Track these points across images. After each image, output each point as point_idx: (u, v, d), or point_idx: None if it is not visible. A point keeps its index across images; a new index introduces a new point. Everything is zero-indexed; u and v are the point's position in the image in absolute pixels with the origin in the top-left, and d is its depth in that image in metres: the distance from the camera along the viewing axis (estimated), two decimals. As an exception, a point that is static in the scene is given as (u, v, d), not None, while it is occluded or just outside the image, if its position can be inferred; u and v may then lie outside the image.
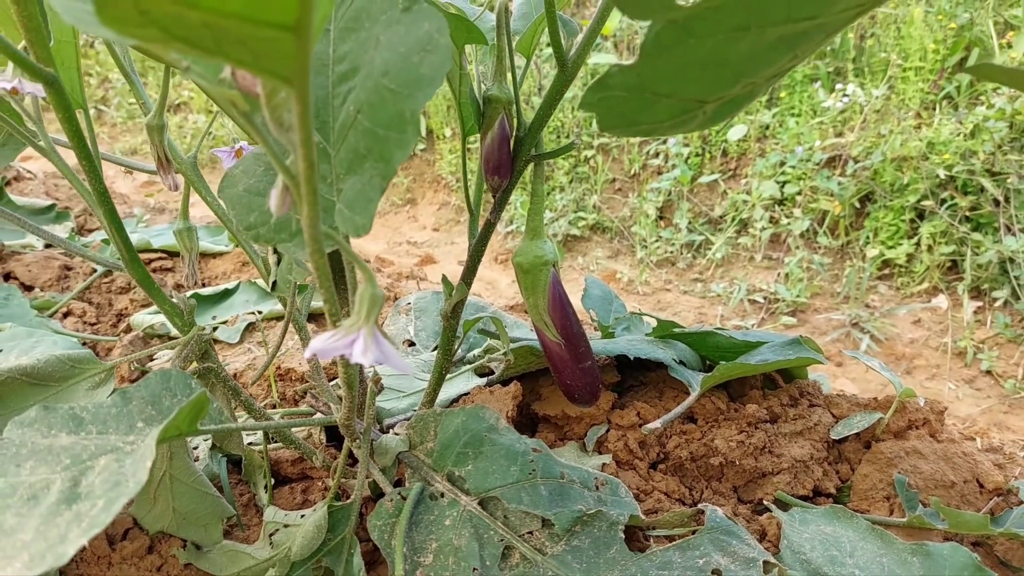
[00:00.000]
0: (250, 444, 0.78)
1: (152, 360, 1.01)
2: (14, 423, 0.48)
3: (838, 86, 3.14)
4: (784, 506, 0.73)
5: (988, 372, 2.11)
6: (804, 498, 0.75)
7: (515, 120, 0.63)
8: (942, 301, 2.42)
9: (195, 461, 0.69)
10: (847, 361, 2.15)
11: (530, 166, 0.64)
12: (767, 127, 3.24)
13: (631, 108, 0.42)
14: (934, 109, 2.89)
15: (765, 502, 0.74)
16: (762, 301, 2.68)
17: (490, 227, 0.66)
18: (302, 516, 0.65)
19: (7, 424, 0.48)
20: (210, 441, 0.77)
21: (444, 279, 0.69)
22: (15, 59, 0.50)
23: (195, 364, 0.66)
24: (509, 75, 0.62)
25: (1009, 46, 2.83)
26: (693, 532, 0.61)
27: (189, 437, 0.62)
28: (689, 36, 0.38)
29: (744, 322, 2.59)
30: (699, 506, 0.65)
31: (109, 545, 0.67)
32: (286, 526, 0.65)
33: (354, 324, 0.40)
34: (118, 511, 0.39)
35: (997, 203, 2.51)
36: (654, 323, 0.96)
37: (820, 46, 0.43)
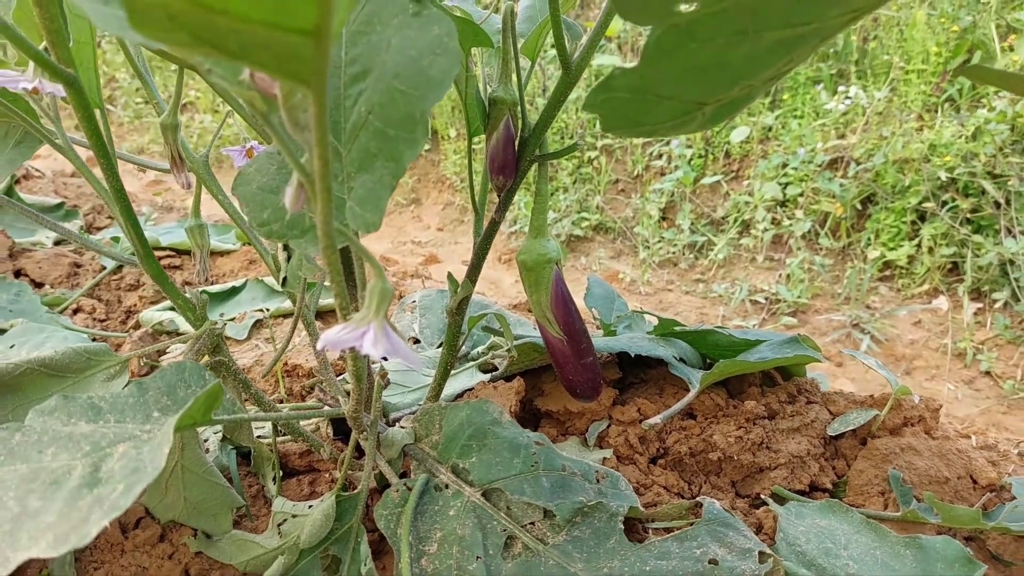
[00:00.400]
0: (259, 437, 0.80)
1: (164, 354, 1.02)
2: (36, 411, 0.50)
3: (840, 88, 3.16)
4: (781, 500, 0.75)
5: (987, 373, 2.12)
6: (801, 493, 0.77)
7: (520, 121, 0.65)
8: (942, 302, 2.43)
9: (206, 453, 0.70)
10: (847, 361, 2.16)
11: (534, 166, 0.66)
12: (770, 129, 3.25)
13: (633, 109, 0.44)
14: (936, 111, 2.90)
15: (762, 496, 0.75)
16: (763, 302, 2.69)
17: (495, 226, 0.68)
18: (310, 506, 0.66)
19: (28, 412, 0.50)
20: (220, 433, 0.79)
21: (449, 276, 0.71)
22: (38, 59, 0.52)
23: (207, 358, 0.67)
24: (514, 77, 0.64)
25: (1011, 49, 2.84)
26: (691, 524, 0.63)
27: (202, 427, 0.63)
28: (690, 40, 0.40)
29: (745, 322, 2.61)
30: (697, 499, 0.66)
31: (122, 533, 0.69)
32: (294, 516, 0.66)
33: (364, 317, 0.42)
34: (137, 495, 0.41)
35: (998, 205, 2.52)
36: (655, 322, 0.98)
37: (816, 49, 0.44)
